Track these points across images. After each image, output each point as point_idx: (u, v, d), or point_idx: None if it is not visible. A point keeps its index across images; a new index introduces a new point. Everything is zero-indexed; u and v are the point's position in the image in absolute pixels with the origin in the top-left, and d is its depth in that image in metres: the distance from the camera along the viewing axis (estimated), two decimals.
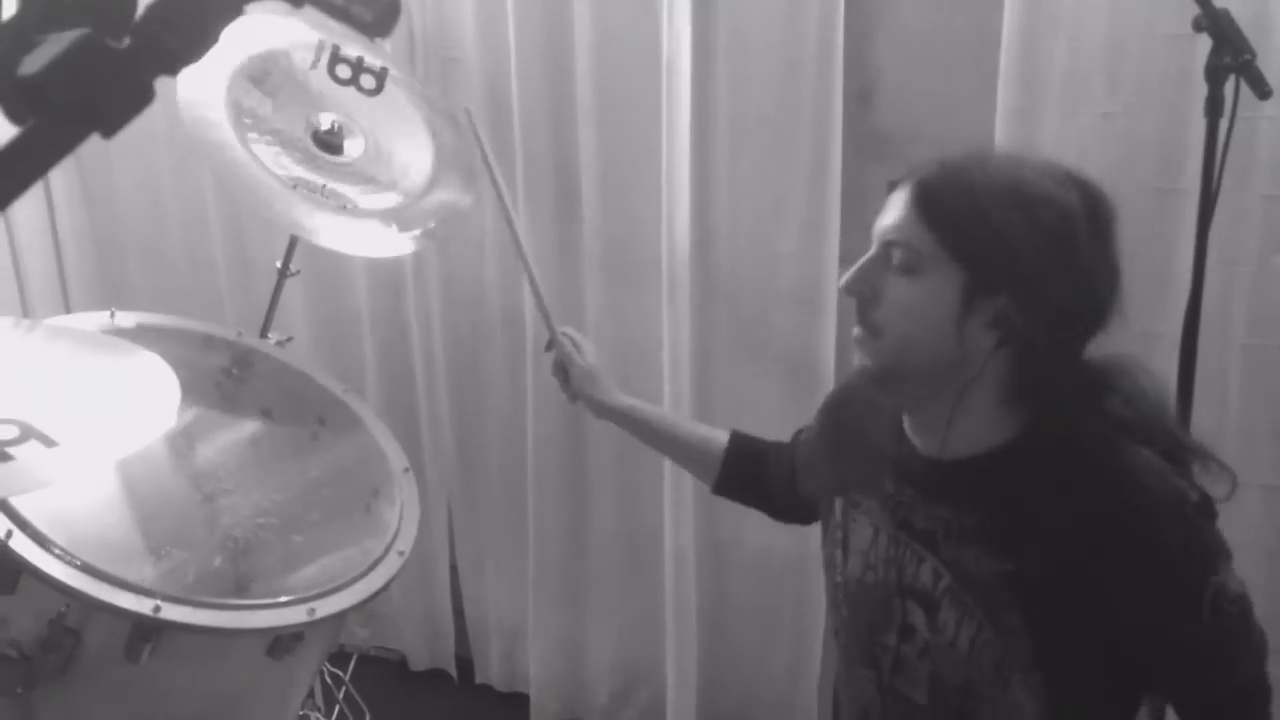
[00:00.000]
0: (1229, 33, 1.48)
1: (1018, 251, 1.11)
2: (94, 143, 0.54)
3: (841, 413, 1.38)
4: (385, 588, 1.52)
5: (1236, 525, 1.19)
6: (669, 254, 2.13)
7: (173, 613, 1.30)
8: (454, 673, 2.77)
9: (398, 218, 1.88)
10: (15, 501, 1.31)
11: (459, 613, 2.74)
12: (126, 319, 1.68)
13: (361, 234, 1.84)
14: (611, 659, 2.52)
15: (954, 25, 1.96)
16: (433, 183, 1.96)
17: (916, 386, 1.19)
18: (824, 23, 1.93)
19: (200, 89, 1.76)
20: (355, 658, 2.67)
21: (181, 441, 1.73)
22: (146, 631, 1.31)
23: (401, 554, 1.58)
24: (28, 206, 2.70)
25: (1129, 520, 1.12)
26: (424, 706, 2.71)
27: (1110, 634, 1.14)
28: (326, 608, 1.42)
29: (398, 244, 1.87)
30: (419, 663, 2.79)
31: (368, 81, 1.97)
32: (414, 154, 1.97)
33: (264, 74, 1.84)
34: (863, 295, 1.17)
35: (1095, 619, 1.13)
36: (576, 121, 2.19)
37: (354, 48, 1.95)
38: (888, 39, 2.03)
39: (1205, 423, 1.80)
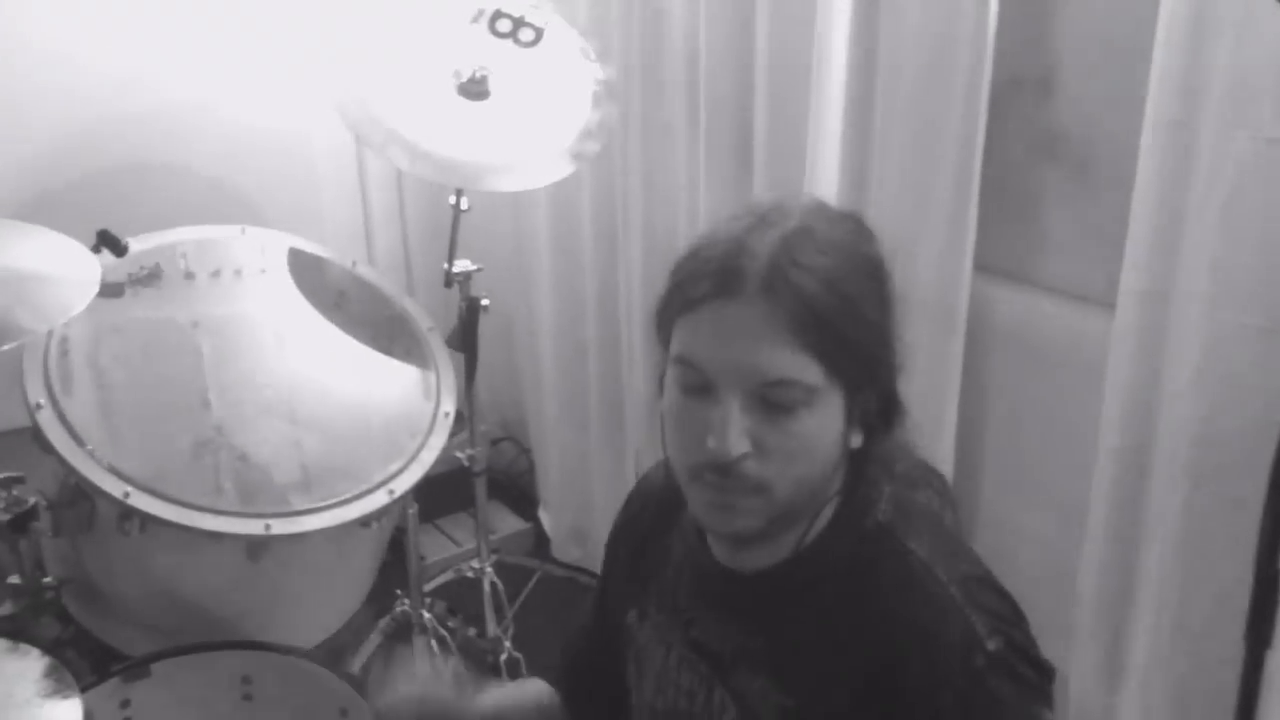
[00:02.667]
0: None
1: (883, 341, 0.98)
2: None
3: (643, 509, 1.20)
4: (360, 520, 1.64)
5: None
6: None
7: (139, 501, 1.53)
8: None
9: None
10: (65, 402, 1.61)
11: None
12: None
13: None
14: None
15: (1145, 8, 1.58)
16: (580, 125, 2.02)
17: (790, 521, 1.01)
18: None
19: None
20: (538, 575, 2.85)
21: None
22: (128, 511, 1.55)
23: (391, 493, 1.69)
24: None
25: (905, 663, 0.93)
26: None
27: None
28: (284, 527, 1.58)
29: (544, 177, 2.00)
30: None
31: (526, 35, 2.03)
32: (564, 98, 2.03)
33: None
34: (749, 455, 0.94)
35: None
36: (754, 86, 2.08)
37: (517, 5, 2.03)
38: (1070, 20, 1.68)
39: None
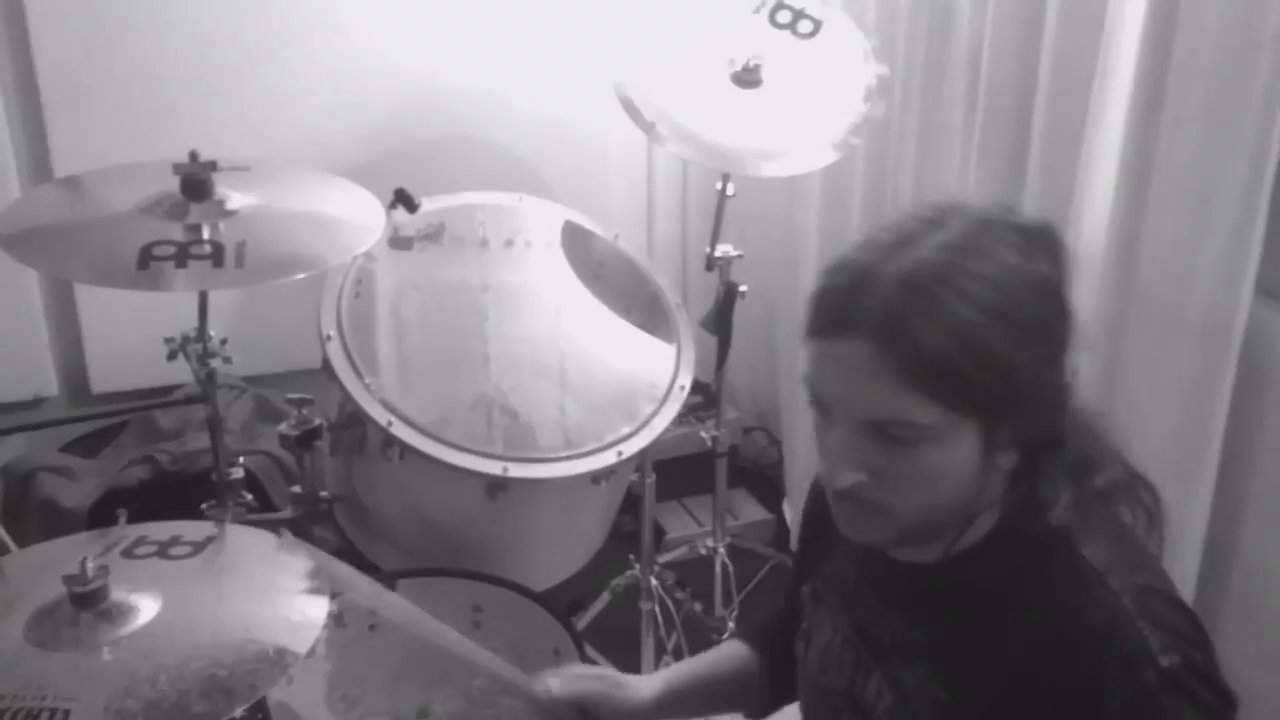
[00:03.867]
0: None
1: (1033, 374, 0.93)
2: None
3: (820, 490, 1.20)
4: (589, 475, 1.74)
5: None
6: (1075, 246, 1.89)
7: (400, 431, 1.70)
8: None
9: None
10: (354, 339, 1.80)
11: None
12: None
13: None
14: None
15: None
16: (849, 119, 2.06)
17: (929, 536, 1.01)
18: None
19: None
20: (770, 564, 2.85)
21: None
22: (390, 439, 1.73)
23: (620, 454, 1.78)
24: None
25: (1069, 670, 0.91)
26: None
27: None
28: (520, 471, 1.71)
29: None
30: None
31: (805, 26, 2.07)
32: (836, 91, 2.08)
33: None
34: (862, 483, 0.95)
35: None
36: (1036, 88, 2.01)
37: None
38: None
39: None
